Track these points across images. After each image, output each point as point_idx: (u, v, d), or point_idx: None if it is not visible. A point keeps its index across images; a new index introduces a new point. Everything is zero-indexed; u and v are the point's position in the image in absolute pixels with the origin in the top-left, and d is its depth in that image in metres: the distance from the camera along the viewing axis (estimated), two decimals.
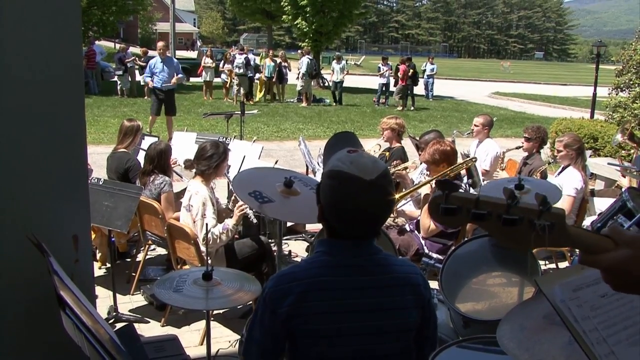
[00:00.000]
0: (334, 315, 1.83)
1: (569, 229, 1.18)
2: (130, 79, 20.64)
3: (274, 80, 22.32)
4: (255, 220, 4.57)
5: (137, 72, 20.90)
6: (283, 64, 22.28)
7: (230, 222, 4.47)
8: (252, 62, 21.35)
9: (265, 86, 22.44)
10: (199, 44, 54.54)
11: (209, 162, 4.62)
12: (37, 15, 2.10)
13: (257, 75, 22.14)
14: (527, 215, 1.15)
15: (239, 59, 20.58)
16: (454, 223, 1.22)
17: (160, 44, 13.33)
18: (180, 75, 13.13)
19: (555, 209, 1.16)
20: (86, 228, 2.45)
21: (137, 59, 21.00)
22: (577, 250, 5.47)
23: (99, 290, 4.96)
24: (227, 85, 21.45)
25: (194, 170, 4.83)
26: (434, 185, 4.05)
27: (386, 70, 22.75)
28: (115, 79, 21.22)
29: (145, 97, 20.08)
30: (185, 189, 4.94)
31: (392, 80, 23.11)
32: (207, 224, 4.04)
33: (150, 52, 20.18)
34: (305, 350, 1.83)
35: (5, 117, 2.08)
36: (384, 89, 23.08)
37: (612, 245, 1.18)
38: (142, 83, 19.23)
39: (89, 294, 2.37)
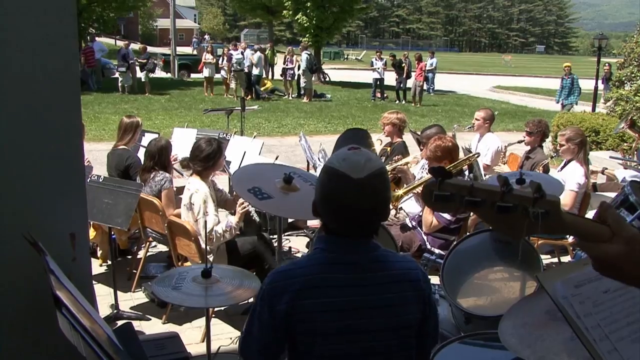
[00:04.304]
0: (331, 313, 1.81)
1: (564, 216, 1.17)
2: (131, 76, 20.60)
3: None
4: (257, 219, 4.53)
5: (137, 68, 20.88)
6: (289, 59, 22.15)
7: (233, 220, 4.45)
8: (246, 59, 21.25)
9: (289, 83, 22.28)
10: (207, 38, 54.07)
11: (205, 162, 4.57)
12: (30, 10, 2.07)
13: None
14: (522, 202, 1.15)
15: (236, 55, 20.61)
16: (448, 210, 1.21)
17: None
18: None
19: (550, 196, 1.15)
20: (84, 226, 2.43)
21: (136, 56, 20.98)
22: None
23: (100, 287, 4.96)
24: (228, 81, 21.44)
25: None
26: None
27: (379, 67, 22.43)
28: (117, 75, 21.18)
29: (147, 94, 20.13)
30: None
31: (386, 75, 22.89)
32: (206, 221, 4.01)
33: (133, 46, 20.02)
34: (304, 349, 1.82)
35: (0, 115, 2.05)
36: (377, 83, 22.81)
37: (608, 234, 1.16)
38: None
39: (87, 292, 2.35)
